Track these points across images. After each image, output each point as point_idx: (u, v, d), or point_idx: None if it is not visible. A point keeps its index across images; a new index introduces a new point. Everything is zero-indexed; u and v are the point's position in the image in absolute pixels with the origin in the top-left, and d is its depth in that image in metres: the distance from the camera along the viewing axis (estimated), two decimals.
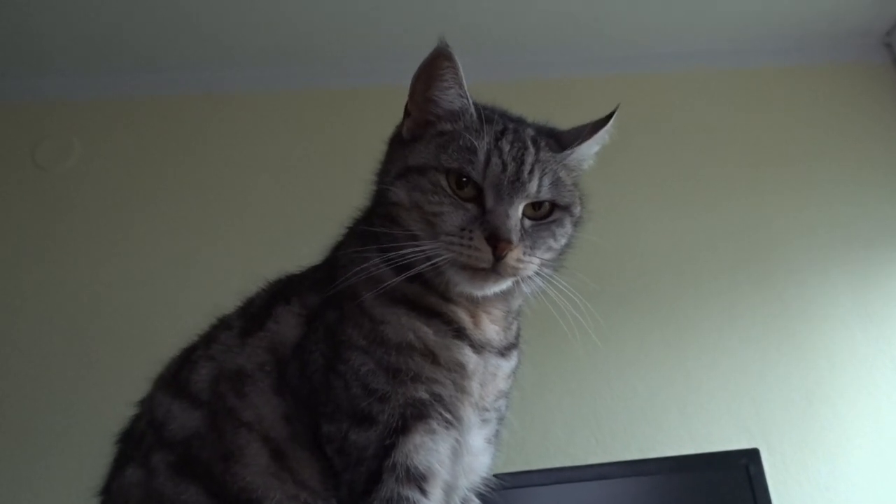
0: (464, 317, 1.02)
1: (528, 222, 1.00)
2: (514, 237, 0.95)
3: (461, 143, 0.99)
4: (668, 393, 2.27)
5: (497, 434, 1.10)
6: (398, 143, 1.08)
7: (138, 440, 1.05)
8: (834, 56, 2.79)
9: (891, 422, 2.27)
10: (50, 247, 2.40)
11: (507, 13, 2.51)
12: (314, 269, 1.13)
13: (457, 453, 1.00)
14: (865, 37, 2.80)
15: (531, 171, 0.99)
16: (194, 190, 2.50)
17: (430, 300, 1.01)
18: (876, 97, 2.75)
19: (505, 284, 1.00)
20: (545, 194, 1.01)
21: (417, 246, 0.96)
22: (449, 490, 1.01)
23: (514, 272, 0.97)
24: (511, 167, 0.98)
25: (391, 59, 2.40)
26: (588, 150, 1.10)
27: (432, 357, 0.98)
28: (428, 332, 0.99)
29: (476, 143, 0.98)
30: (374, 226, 1.03)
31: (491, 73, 2.18)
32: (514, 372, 1.11)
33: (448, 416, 0.99)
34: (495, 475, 1.11)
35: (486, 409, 1.05)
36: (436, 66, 1.01)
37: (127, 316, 2.28)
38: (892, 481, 2.19)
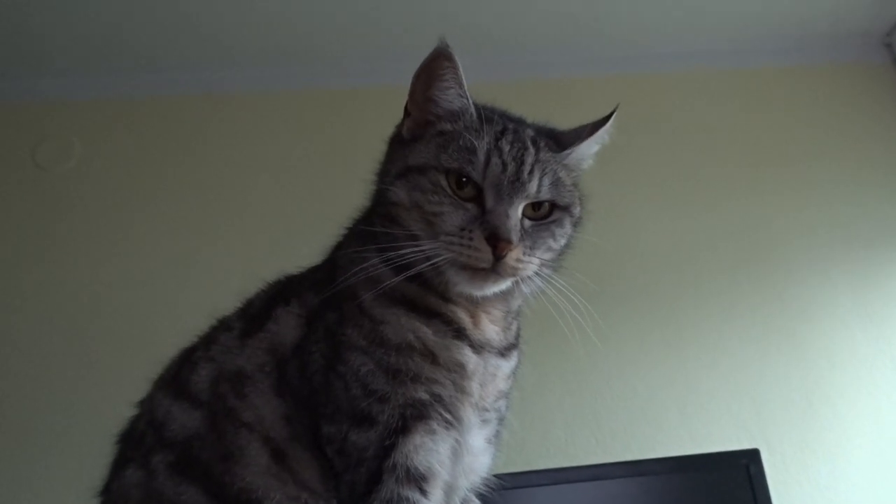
0: (463, 317, 1.02)
1: (527, 222, 1.00)
2: (514, 237, 0.95)
3: (461, 142, 0.99)
4: (668, 393, 2.27)
5: (497, 434, 1.09)
6: (398, 142, 1.08)
7: (138, 441, 1.05)
8: (834, 56, 2.79)
9: (891, 422, 2.27)
10: (50, 247, 2.40)
11: (507, 13, 2.51)
12: (314, 270, 1.13)
13: (457, 454, 1.00)
14: (865, 37, 2.80)
15: (531, 172, 0.99)
16: (194, 190, 2.50)
17: (430, 300, 1.01)
18: (876, 97, 2.75)
19: (505, 284, 1.00)
20: (545, 194, 1.01)
21: (417, 246, 0.96)
22: (449, 490, 1.01)
23: (514, 272, 0.97)
24: (511, 167, 0.98)
25: (391, 59, 2.40)
26: (587, 150, 1.10)
27: (432, 357, 0.98)
28: (427, 333, 0.99)
29: (476, 143, 0.98)
30: (374, 226, 1.03)
31: (491, 73, 2.18)
32: (514, 372, 1.11)
33: (448, 416, 0.98)
34: (495, 475, 1.11)
35: (486, 410, 1.05)
36: (436, 65, 1.01)
37: (127, 316, 2.28)
38: (892, 481, 2.19)
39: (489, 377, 1.04)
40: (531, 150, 1.01)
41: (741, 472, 1.85)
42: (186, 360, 1.08)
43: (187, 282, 2.32)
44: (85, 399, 2.15)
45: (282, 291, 1.11)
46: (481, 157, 0.98)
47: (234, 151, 2.57)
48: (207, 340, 1.09)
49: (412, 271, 0.97)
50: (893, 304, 2.43)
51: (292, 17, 2.45)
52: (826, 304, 2.42)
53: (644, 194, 2.53)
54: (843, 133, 2.68)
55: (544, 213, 1.02)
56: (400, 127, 1.09)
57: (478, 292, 0.99)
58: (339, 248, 1.13)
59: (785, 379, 2.30)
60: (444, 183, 0.98)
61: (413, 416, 0.95)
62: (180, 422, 1.01)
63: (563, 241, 1.05)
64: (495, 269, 0.95)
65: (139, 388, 1.13)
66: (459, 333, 1.01)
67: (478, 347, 1.02)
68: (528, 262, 0.97)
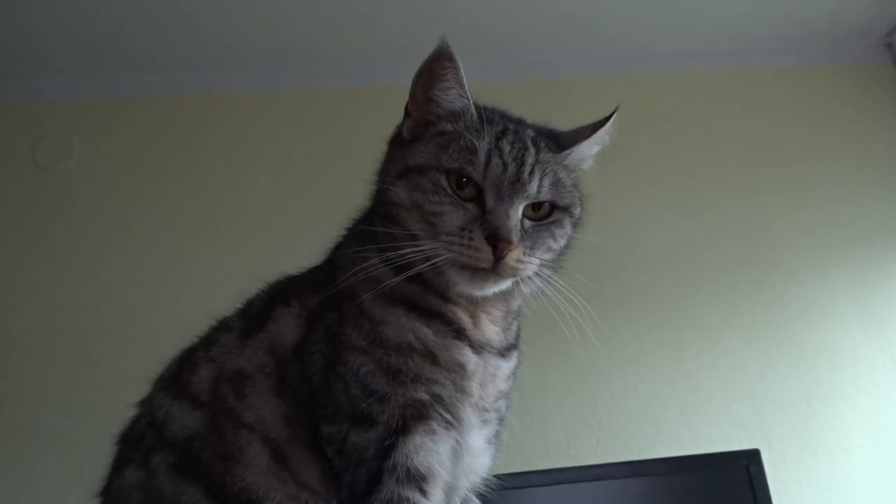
0: (463, 317, 1.02)
1: (527, 223, 1.00)
2: (515, 237, 0.95)
3: (462, 143, 0.99)
4: (668, 393, 2.27)
5: (497, 435, 1.09)
6: (398, 142, 1.08)
7: (138, 441, 1.04)
8: (834, 56, 2.79)
9: (891, 422, 2.27)
10: (50, 247, 2.40)
11: (507, 13, 2.51)
12: (314, 271, 1.13)
13: (457, 454, 1.00)
14: (866, 37, 2.79)
15: (531, 172, 0.99)
16: (194, 190, 2.50)
17: (430, 300, 1.01)
18: (876, 97, 2.75)
19: (505, 285, 1.00)
20: (545, 195, 1.01)
21: (417, 246, 0.96)
22: (449, 491, 1.01)
23: (514, 272, 0.97)
24: (511, 168, 0.98)
25: (391, 59, 2.40)
26: (588, 150, 1.10)
27: (432, 358, 0.98)
28: (427, 333, 0.99)
29: (477, 144, 0.98)
30: (374, 226, 1.03)
31: (491, 73, 2.18)
32: (514, 372, 1.11)
33: (448, 416, 0.99)
34: (496, 476, 1.11)
35: (486, 410, 1.05)
36: (437, 66, 1.01)
37: (127, 316, 2.28)
38: (892, 481, 2.19)
39: (489, 377, 1.04)
40: (532, 150, 1.01)
41: (741, 473, 1.85)
42: (187, 361, 1.08)
43: (187, 282, 2.32)
44: (85, 399, 2.15)
45: (282, 292, 1.11)
46: (482, 157, 0.98)
47: (234, 151, 2.57)
48: (208, 341, 1.09)
49: (412, 271, 0.97)
50: (893, 304, 2.43)
51: (292, 17, 2.45)
52: (826, 304, 2.42)
53: (644, 194, 2.53)
54: (843, 133, 2.68)
55: (544, 214, 1.02)
56: (400, 127, 1.09)
57: (478, 292, 0.99)
58: (339, 248, 1.13)
59: (785, 379, 2.30)
60: (444, 183, 0.98)
61: (413, 417, 0.95)
62: (180, 422, 1.01)
63: (563, 242, 1.05)
64: (495, 269, 0.95)
65: (139, 388, 1.13)
66: (459, 334, 1.01)
67: (478, 348, 1.02)
68: (528, 263, 0.97)
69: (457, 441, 1.00)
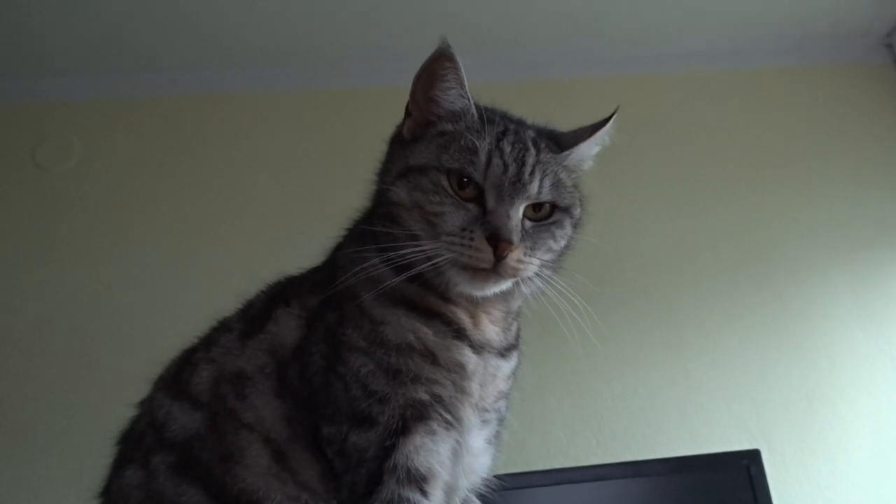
0: (463, 317, 1.02)
1: (528, 223, 1.00)
2: (515, 238, 0.95)
3: (462, 143, 0.99)
4: (668, 393, 2.27)
5: (497, 435, 1.10)
6: (399, 142, 1.08)
7: (138, 441, 1.05)
8: (834, 56, 2.79)
9: (891, 422, 2.27)
10: (50, 247, 2.40)
11: (507, 13, 2.51)
12: (314, 271, 1.13)
13: (457, 454, 1.00)
14: (866, 37, 2.79)
15: (532, 173, 0.99)
16: (194, 190, 2.50)
17: (430, 301, 1.01)
18: (876, 98, 2.74)
19: (505, 285, 1.00)
20: (546, 195, 1.01)
21: (418, 246, 0.96)
22: (449, 491, 1.01)
23: (515, 273, 0.97)
24: (512, 168, 0.98)
25: (391, 59, 2.40)
26: (588, 151, 1.10)
27: (432, 358, 0.98)
28: (428, 333, 0.99)
29: (477, 144, 0.98)
30: (375, 226, 1.03)
31: (491, 73, 2.17)
32: (514, 373, 1.11)
33: (448, 416, 0.99)
34: (496, 476, 1.11)
35: (486, 410, 1.05)
36: (437, 66, 1.01)
37: (127, 316, 2.28)
38: (892, 481, 2.19)
39: (489, 378, 1.04)
40: (532, 151, 1.01)
41: (742, 473, 1.85)
42: (187, 362, 1.08)
43: (187, 282, 2.32)
44: (85, 399, 2.14)
45: (282, 292, 1.11)
46: (483, 157, 0.98)
47: (234, 151, 2.56)
48: (208, 341, 1.09)
49: (413, 271, 0.97)
50: (893, 304, 2.42)
51: (292, 17, 2.45)
52: (826, 304, 2.42)
53: (644, 194, 2.53)
54: (843, 133, 2.68)
55: (545, 215, 1.02)
56: (401, 127, 1.09)
57: (478, 293, 0.99)
58: (339, 248, 1.13)
59: (785, 379, 2.30)
60: (445, 183, 0.98)
61: (413, 417, 0.95)
62: (181, 422, 1.01)
63: (563, 242, 1.05)
64: (496, 269, 0.95)
65: (139, 388, 1.13)
66: (459, 334, 1.01)
67: (478, 348, 1.02)
68: (528, 263, 0.97)
69: (457, 441, 1.00)
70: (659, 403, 2.25)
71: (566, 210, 1.04)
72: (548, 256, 1.02)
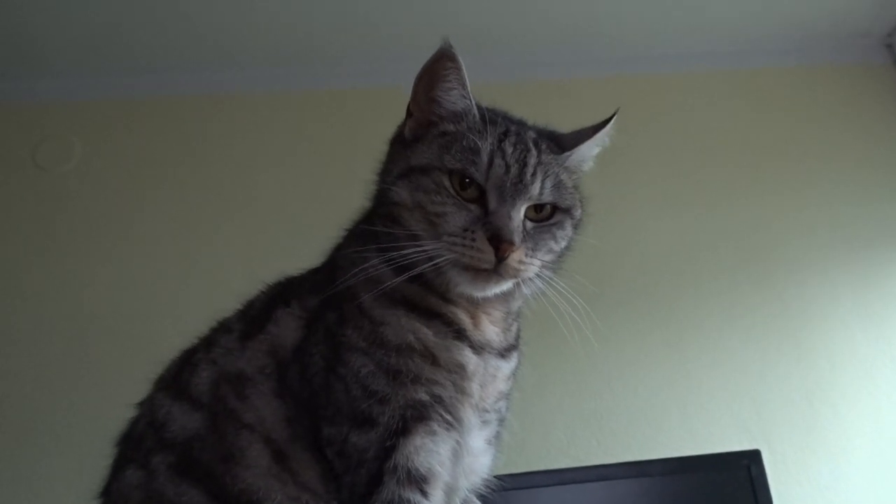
0: (464, 318, 1.02)
1: (529, 224, 1.00)
2: (517, 238, 0.95)
3: (464, 143, 0.99)
4: (668, 394, 2.27)
5: (497, 435, 1.10)
6: (400, 143, 1.07)
7: (138, 441, 1.04)
8: (835, 57, 2.79)
9: (891, 422, 2.27)
10: (50, 247, 2.40)
11: (507, 13, 2.51)
12: (314, 272, 1.13)
13: (457, 455, 1.00)
14: (866, 38, 2.79)
15: (534, 174, 0.99)
16: (194, 190, 2.50)
17: (430, 301, 1.01)
18: (876, 98, 2.74)
19: (506, 286, 1.00)
20: (547, 196, 1.01)
21: (419, 246, 0.96)
22: (450, 491, 1.01)
23: (516, 274, 0.97)
24: (514, 169, 0.98)
25: (391, 59, 2.40)
26: (588, 152, 1.10)
27: (432, 358, 0.98)
28: (428, 334, 0.99)
29: (479, 145, 0.98)
30: (375, 226, 1.03)
31: (491, 74, 2.17)
32: (515, 373, 1.11)
33: (448, 417, 0.99)
34: (496, 476, 1.11)
35: (487, 411, 1.05)
36: (439, 66, 1.01)
37: (127, 316, 2.27)
38: (892, 481, 2.19)
39: (489, 378, 1.04)
40: (533, 152, 1.01)
41: (742, 473, 1.85)
42: (187, 362, 1.08)
43: (187, 282, 2.32)
44: (85, 399, 2.14)
45: (282, 293, 1.11)
46: (484, 158, 0.98)
47: (234, 151, 2.56)
48: (208, 342, 1.09)
49: (414, 272, 0.97)
50: (893, 304, 2.42)
51: (292, 17, 2.44)
52: (826, 304, 2.42)
53: (644, 195, 2.53)
54: (844, 133, 2.68)
55: (546, 215, 1.02)
56: (402, 127, 1.09)
57: (479, 293, 0.99)
58: (339, 248, 1.13)
59: (785, 379, 2.30)
60: (447, 183, 0.98)
61: (413, 418, 0.95)
62: (181, 423, 1.01)
63: (563, 243, 1.05)
64: (497, 270, 0.95)
65: (139, 388, 1.12)
66: (460, 334, 1.01)
67: (478, 348, 1.02)
68: (529, 264, 0.97)
69: (457, 442, 1.00)
70: (659, 403, 2.25)
71: (567, 211, 1.04)
72: (549, 257, 1.02)
